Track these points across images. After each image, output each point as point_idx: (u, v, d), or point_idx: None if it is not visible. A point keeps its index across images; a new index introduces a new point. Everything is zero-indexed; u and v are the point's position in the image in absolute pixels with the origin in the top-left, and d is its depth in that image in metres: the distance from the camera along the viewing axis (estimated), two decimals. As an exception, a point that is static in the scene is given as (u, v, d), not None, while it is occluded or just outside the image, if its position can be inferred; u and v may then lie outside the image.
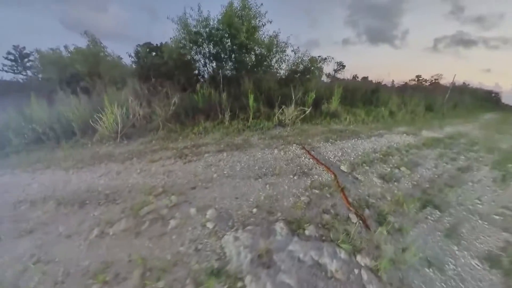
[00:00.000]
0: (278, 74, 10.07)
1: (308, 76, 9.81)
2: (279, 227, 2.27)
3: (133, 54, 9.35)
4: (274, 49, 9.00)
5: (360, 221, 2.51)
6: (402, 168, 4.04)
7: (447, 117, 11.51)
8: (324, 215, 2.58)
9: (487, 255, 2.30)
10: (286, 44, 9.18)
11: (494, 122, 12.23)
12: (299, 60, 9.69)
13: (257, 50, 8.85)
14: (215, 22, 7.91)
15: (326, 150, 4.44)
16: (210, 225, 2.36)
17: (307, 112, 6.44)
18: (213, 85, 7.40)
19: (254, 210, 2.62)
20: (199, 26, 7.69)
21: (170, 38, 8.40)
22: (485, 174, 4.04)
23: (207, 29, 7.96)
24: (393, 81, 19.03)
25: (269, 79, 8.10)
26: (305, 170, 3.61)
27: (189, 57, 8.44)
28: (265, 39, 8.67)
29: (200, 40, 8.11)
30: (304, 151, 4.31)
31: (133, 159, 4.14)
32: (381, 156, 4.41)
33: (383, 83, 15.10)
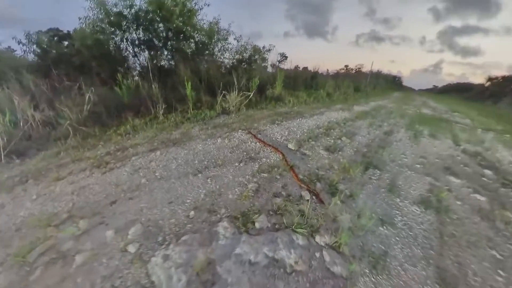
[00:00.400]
0: (222, 63, 9.48)
1: (253, 66, 9.58)
2: (223, 227, 1.84)
3: (25, 41, 6.98)
4: (216, 37, 8.31)
5: (314, 197, 2.33)
6: (343, 138, 4.24)
7: (369, 96, 14.51)
8: (275, 200, 2.29)
9: (420, 199, 2.60)
10: (228, 32, 8.61)
11: (400, 98, 16.28)
12: (243, 48, 9.30)
13: (197, 37, 7.99)
14: (142, 2, 6.62)
15: (273, 132, 4.25)
16: (132, 248, 1.74)
17: (251, 96, 6.16)
18: (145, 76, 6.29)
19: (192, 213, 2.11)
20: (120, 6, 6.28)
21: (80, 19, 6.54)
22: (403, 135, 5.11)
23: (132, 10, 6.62)
24: (327, 70, 21.23)
25: (210, 67, 7.45)
26: (252, 155, 3.29)
27: (111, 44, 6.92)
28: (204, 25, 7.88)
29: (125, 23, 6.69)
30: (251, 135, 4.00)
31: (27, 183, 2.98)
32: (324, 130, 4.57)
33: (319, 72, 16.74)
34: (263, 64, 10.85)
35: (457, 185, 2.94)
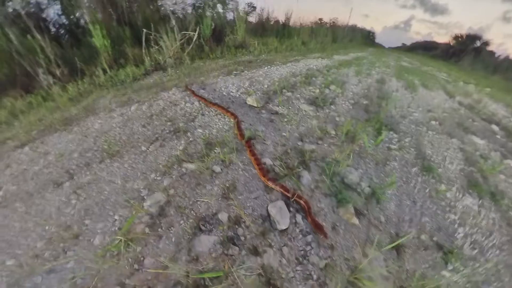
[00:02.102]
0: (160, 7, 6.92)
1: (206, 12, 7.17)
2: None
3: None
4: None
5: (302, 216, 1.01)
6: (332, 87, 2.93)
7: (347, 48, 13.00)
8: (198, 247, 0.92)
9: (466, 180, 1.77)
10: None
11: (376, 52, 15.48)
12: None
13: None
14: None
15: (226, 84, 2.67)
16: None
17: (195, 38, 4.23)
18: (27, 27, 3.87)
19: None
20: None
21: None
22: (397, 84, 4.49)
23: None
24: (300, 23, 19.02)
25: (138, 4, 5.09)
26: (180, 124, 1.78)
27: None
28: None
29: None
30: (188, 92, 2.41)
31: None
32: (303, 78, 3.22)
33: (291, 26, 14.99)
34: (221, 10, 8.53)
35: (484, 148, 2.41)
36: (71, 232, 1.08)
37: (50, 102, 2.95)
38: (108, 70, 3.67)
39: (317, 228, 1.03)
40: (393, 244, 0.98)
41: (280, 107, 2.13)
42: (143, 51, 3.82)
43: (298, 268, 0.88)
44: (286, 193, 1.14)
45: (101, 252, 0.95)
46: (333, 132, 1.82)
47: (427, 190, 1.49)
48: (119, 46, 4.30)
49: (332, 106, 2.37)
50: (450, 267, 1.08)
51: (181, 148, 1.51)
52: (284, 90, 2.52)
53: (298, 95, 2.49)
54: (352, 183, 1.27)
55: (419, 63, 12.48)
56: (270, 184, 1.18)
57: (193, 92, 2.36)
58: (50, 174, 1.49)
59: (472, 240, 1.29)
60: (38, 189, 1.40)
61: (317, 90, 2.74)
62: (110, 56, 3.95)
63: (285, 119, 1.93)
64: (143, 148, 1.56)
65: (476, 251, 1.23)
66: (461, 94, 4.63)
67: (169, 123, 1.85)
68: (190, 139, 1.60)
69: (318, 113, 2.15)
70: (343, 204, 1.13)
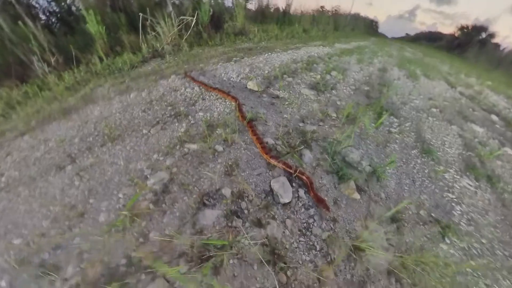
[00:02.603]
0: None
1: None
2: None
3: None
4: None
5: (304, 191, 1.02)
6: (333, 73, 2.91)
7: (349, 36, 12.76)
8: (202, 220, 0.94)
9: (464, 164, 1.80)
10: None
11: (378, 41, 15.24)
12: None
13: None
14: None
15: (226, 71, 2.63)
16: None
17: (193, 24, 4.12)
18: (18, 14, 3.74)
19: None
20: None
21: None
22: (399, 73, 4.45)
23: None
24: (301, 11, 18.44)
25: None
26: (181, 108, 1.76)
27: None
28: None
29: None
30: (188, 79, 2.38)
31: None
32: (304, 65, 3.19)
33: (292, 13, 14.61)
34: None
35: (483, 135, 2.45)
36: (75, 211, 1.10)
37: (46, 91, 2.90)
38: (104, 58, 3.60)
39: (319, 202, 1.05)
40: (393, 211, 1.00)
41: (281, 91, 2.11)
42: (140, 37, 3.74)
43: (301, 239, 0.90)
44: (288, 170, 1.15)
45: (106, 228, 0.97)
46: (334, 115, 1.82)
47: (426, 171, 1.51)
48: (115, 33, 4.19)
49: (333, 91, 2.36)
50: (447, 241, 1.11)
51: (182, 130, 1.51)
52: (285, 76, 2.49)
53: (299, 80, 2.46)
54: (353, 161, 1.28)
55: (422, 54, 12.34)
56: (272, 161, 1.19)
57: (192, 78, 2.33)
58: (52, 159, 1.49)
59: (469, 217, 1.33)
60: (40, 173, 1.40)
61: (318, 76, 2.71)
62: (106, 44, 3.86)
63: (286, 103, 1.92)
64: (145, 132, 1.55)
65: (472, 227, 1.27)
66: (463, 86, 4.64)
67: (169, 108, 1.84)
68: (192, 122, 1.59)
69: (319, 97, 2.13)
70: (344, 180, 1.15)
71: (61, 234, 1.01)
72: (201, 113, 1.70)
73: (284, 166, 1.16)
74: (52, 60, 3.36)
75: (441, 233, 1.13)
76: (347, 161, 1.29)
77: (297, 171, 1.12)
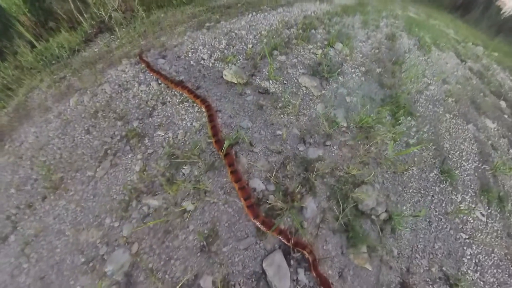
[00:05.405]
0: None
1: None
2: None
3: None
4: None
5: (307, 266, 0.78)
6: (338, 46, 2.38)
7: None
8: None
9: (479, 183, 1.64)
10: None
11: None
12: None
13: None
14: None
15: (195, 46, 1.98)
16: None
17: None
18: None
19: None
20: None
21: None
22: (409, 42, 4.07)
23: None
24: None
25: None
26: (135, 123, 1.30)
27: None
28: None
29: None
30: (143, 64, 1.79)
31: None
32: (300, 31, 2.49)
33: None
34: None
35: (494, 134, 2.35)
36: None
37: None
38: (35, 43, 2.71)
39: (324, 285, 0.83)
40: None
41: (271, 82, 1.63)
42: (77, 4, 2.76)
43: None
44: (286, 242, 0.89)
45: None
46: (344, 124, 1.44)
47: (443, 204, 1.34)
48: (42, 2, 3.09)
49: (340, 78, 1.91)
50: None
51: (138, 169, 1.12)
52: (275, 52, 1.94)
53: (295, 60, 1.93)
54: (367, 209, 1.03)
55: (425, 15, 11.61)
56: (264, 229, 0.91)
57: (148, 64, 1.75)
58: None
59: (476, 261, 1.23)
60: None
61: (320, 52, 2.18)
62: (31, 20, 2.88)
63: (280, 104, 1.49)
64: (90, 174, 1.15)
65: (478, 274, 1.18)
66: (471, 59, 4.53)
67: (119, 123, 1.37)
68: (149, 151, 1.19)
69: (323, 91, 1.70)
70: (354, 245, 0.92)
71: None
72: (160, 133, 1.27)
73: (280, 238, 0.89)
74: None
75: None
76: (359, 209, 1.04)
77: (298, 244, 0.87)
